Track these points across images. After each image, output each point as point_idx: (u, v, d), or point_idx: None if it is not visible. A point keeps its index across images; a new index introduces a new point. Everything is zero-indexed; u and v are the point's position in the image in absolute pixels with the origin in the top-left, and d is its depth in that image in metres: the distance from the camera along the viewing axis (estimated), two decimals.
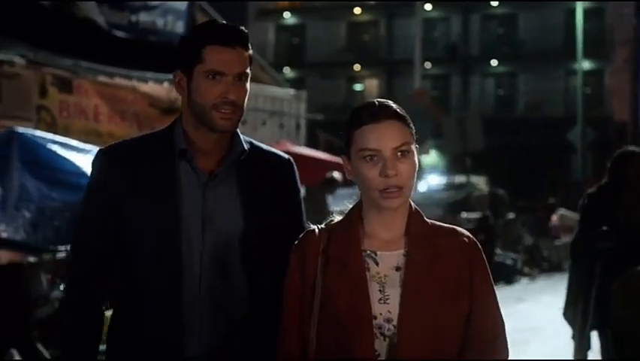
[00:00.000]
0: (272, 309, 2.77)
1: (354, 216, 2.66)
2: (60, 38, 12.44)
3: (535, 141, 37.07)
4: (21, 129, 7.44)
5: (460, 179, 25.80)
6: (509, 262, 20.28)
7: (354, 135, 2.60)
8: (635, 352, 5.64)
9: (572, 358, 6.81)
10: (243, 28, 2.95)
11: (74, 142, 7.63)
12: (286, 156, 3.11)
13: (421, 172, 26.90)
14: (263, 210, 2.94)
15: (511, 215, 24.57)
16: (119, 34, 13.90)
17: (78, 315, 2.92)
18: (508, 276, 19.35)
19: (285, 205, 3.01)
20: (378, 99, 2.65)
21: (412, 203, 2.66)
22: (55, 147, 7.22)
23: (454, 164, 26.83)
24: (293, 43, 45.46)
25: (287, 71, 42.92)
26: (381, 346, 2.53)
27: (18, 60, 11.54)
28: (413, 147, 2.59)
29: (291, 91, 19.43)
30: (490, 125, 28.60)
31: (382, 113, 2.58)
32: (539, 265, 22.42)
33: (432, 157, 28.74)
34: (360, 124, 2.59)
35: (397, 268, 2.59)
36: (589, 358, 6.68)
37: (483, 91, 42.26)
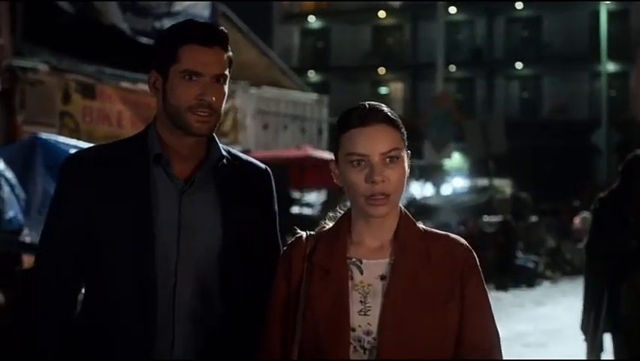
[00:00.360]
0: (246, 317, 2.74)
1: (343, 223, 2.55)
2: (84, 45, 12.62)
3: (560, 144, 36.92)
4: (44, 135, 7.49)
5: (483, 182, 25.73)
6: (531, 265, 20.25)
7: (342, 139, 2.49)
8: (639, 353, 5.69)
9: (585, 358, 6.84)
10: (222, 28, 2.83)
11: None
12: (263, 165, 2.98)
13: (445, 175, 26.94)
14: (241, 218, 2.80)
15: (534, 218, 24.54)
16: (143, 40, 14.05)
17: (49, 328, 2.76)
18: (530, 279, 19.24)
19: (262, 214, 2.90)
20: (370, 102, 2.54)
21: (403, 208, 2.56)
22: None
23: (477, 167, 26.79)
24: (317, 46, 45.54)
25: (311, 74, 43.04)
26: (360, 359, 2.43)
27: (41, 67, 11.70)
28: (404, 152, 2.48)
29: (314, 95, 19.50)
30: (515, 128, 28.59)
31: (372, 117, 2.47)
32: (561, 268, 22.37)
33: (455, 160, 28.72)
34: (348, 127, 2.47)
35: (382, 277, 2.47)
36: (602, 358, 6.71)
37: (508, 94, 42.18)
